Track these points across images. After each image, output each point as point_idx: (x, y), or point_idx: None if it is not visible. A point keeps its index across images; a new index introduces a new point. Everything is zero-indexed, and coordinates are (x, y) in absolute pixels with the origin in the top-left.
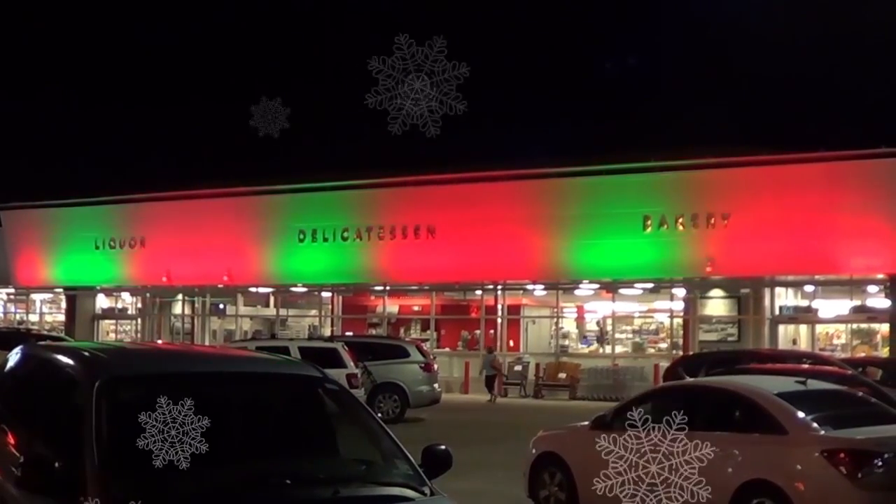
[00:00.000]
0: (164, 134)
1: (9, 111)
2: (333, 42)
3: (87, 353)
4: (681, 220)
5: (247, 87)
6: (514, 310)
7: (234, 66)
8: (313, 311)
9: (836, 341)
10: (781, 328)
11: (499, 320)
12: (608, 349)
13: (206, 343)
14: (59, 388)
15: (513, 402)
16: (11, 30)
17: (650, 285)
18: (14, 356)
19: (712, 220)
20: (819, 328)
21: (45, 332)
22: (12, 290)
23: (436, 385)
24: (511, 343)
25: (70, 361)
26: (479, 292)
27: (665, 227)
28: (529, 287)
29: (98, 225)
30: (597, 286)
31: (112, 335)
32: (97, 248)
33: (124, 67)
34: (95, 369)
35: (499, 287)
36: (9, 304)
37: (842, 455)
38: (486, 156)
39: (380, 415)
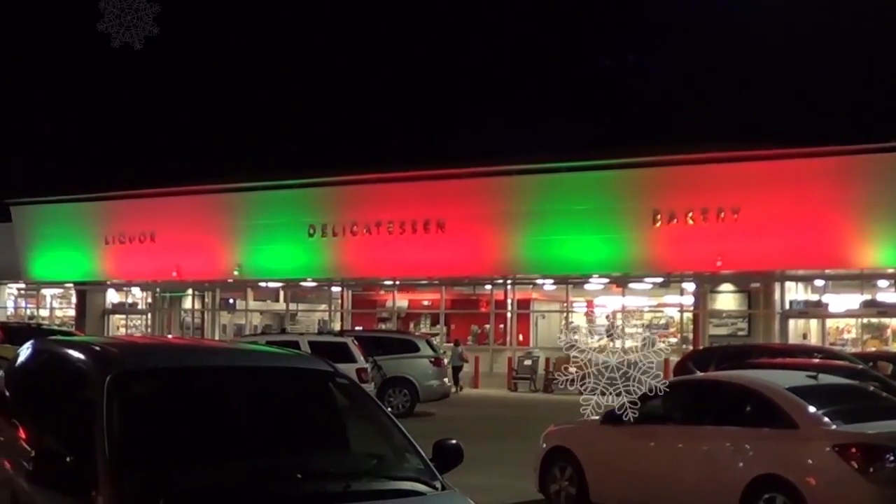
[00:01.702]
0: (173, 128)
1: (18, 106)
2: (345, 41)
3: (97, 348)
4: (690, 215)
5: (261, 85)
6: (523, 304)
7: (245, 63)
8: (323, 306)
9: (846, 336)
10: (791, 323)
11: (508, 314)
12: (618, 344)
13: (216, 338)
14: (70, 383)
15: (523, 396)
16: (23, 26)
17: (660, 280)
18: (25, 351)
19: (722, 215)
20: (829, 323)
21: (56, 327)
22: (23, 285)
23: (446, 379)
24: (521, 337)
25: (81, 356)
26: (488, 287)
27: (675, 221)
28: (539, 282)
29: (108, 220)
30: (606, 281)
31: (122, 330)
32: (107, 243)
33: (135, 62)
34: (106, 364)
35: (508, 281)
36: (19, 299)
37: (853, 450)
38: (496, 150)
39: (389, 409)
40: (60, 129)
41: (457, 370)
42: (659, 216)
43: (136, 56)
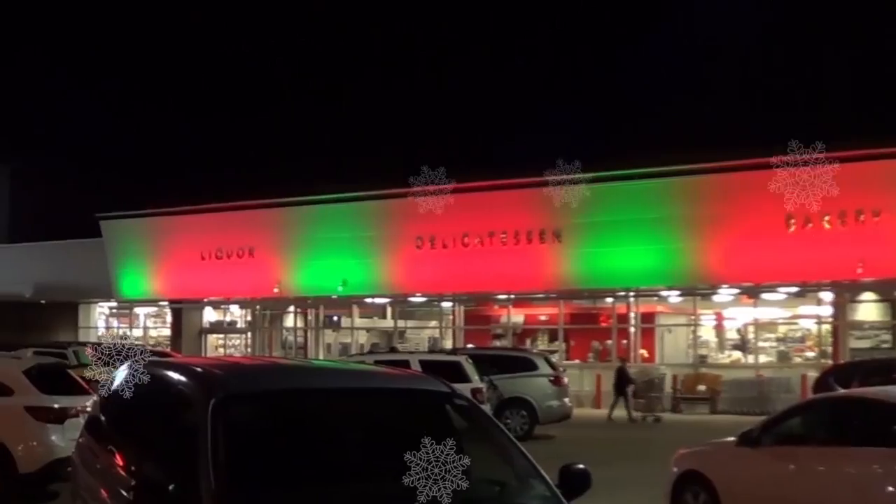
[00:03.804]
0: (272, 138)
1: (108, 115)
2: (435, 47)
3: (200, 370)
4: (827, 218)
5: (365, 91)
6: (647, 318)
7: (346, 70)
8: (433, 323)
9: None
10: None
11: (631, 329)
12: (750, 359)
13: (321, 357)
14: (171, 407)
15: (648, 416)
16: (115, 37)
17: (795, 289)
18: (121, 373)
19: (862, 217)
20: None
21: (150, 348)
22: (114, 304)
23: (566, 399)
24: (645, 353)
25: (183, 378)
26: (609, 300)
27: (810, 225)
28: (664, 293)
29: (204, 234)
30: (737, 291)
31: (220, 350)
32: (203, 258)
33: (232, 72)
34: (210, 386)
35: (631, 294)
36: (111, 319)
37: None
38: (614, 154)
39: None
40: (153, 139)
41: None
42: (793, 220)
43: (231, 65)
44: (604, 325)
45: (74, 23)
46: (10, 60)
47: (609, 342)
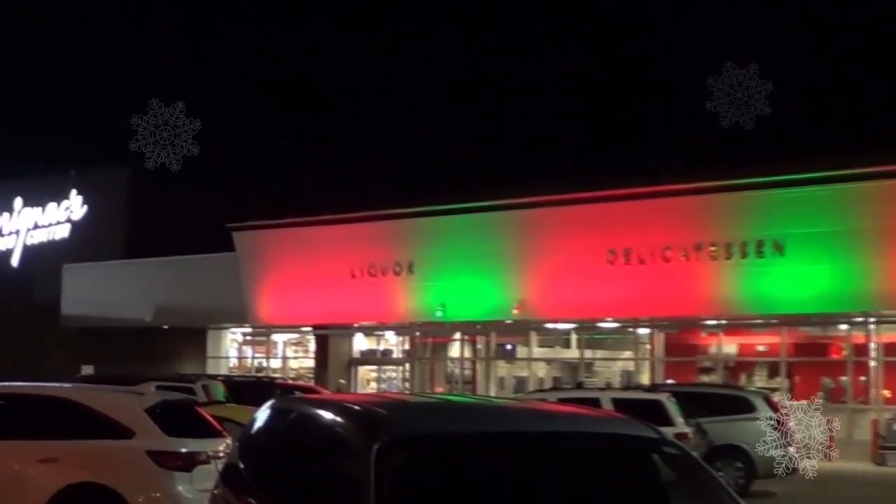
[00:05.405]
0: (432, 135)
1: (239, 111)
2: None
3: (359, 408)
4: None
5: (536, 86)
6: (892, 349)
7: (527, 69)
8: (627, 353)
9: None
10: None
11: (871, 363)
12: None
13: (493, 394)
14: (324, 453)
15: (894, 471)
16: (247, 33)
17: None
18: (263, 413)
19: None
20: None
21: (292, 381)
22: (249, 330)
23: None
24: (888, 393)
25: (338, 419)
26: (844, 327)
27: None
28: None
29: (355, 247)
30: None
31: (373, 385)
32: (353, 276)
33: (390, 69)
34: (373, 429)
35: (871, 320)
36: (244, 347)
37: None
38: (846, 149)
39: None
40: (294, 140)
41: None
42: None
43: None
44: (836, 357)
45: (202, 22)
46: (129, 58)
47: (843, 379)
